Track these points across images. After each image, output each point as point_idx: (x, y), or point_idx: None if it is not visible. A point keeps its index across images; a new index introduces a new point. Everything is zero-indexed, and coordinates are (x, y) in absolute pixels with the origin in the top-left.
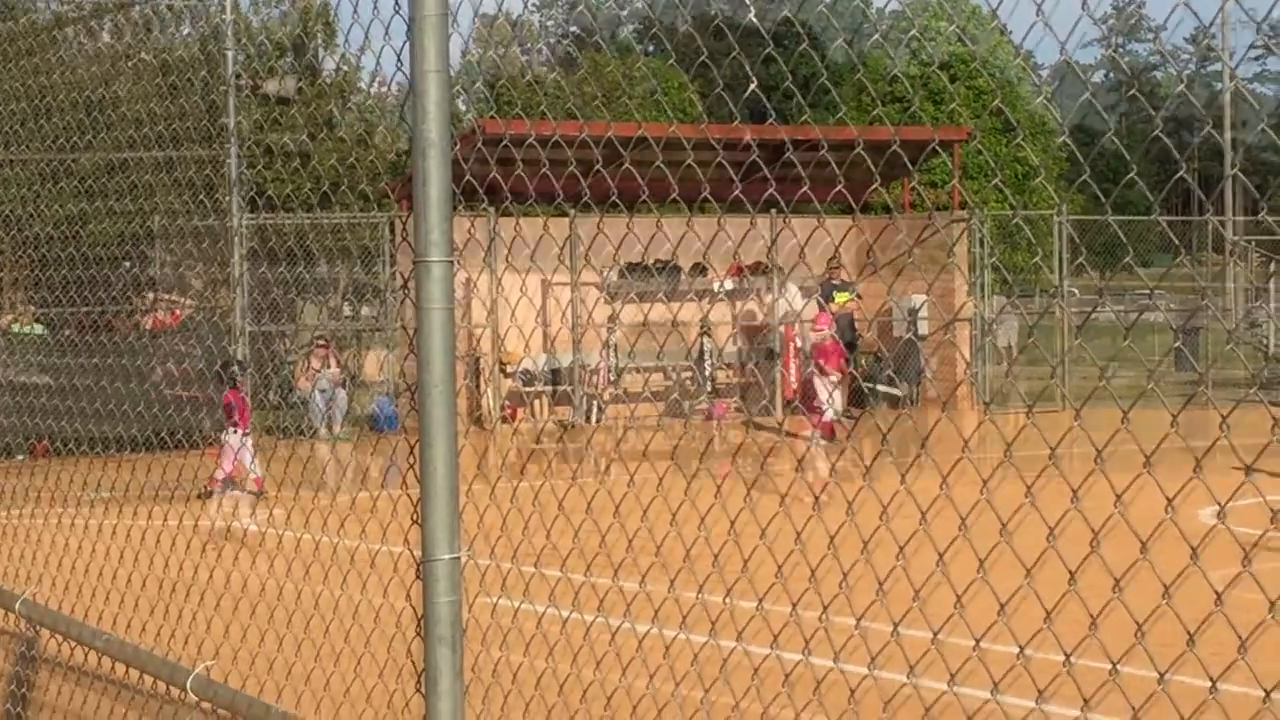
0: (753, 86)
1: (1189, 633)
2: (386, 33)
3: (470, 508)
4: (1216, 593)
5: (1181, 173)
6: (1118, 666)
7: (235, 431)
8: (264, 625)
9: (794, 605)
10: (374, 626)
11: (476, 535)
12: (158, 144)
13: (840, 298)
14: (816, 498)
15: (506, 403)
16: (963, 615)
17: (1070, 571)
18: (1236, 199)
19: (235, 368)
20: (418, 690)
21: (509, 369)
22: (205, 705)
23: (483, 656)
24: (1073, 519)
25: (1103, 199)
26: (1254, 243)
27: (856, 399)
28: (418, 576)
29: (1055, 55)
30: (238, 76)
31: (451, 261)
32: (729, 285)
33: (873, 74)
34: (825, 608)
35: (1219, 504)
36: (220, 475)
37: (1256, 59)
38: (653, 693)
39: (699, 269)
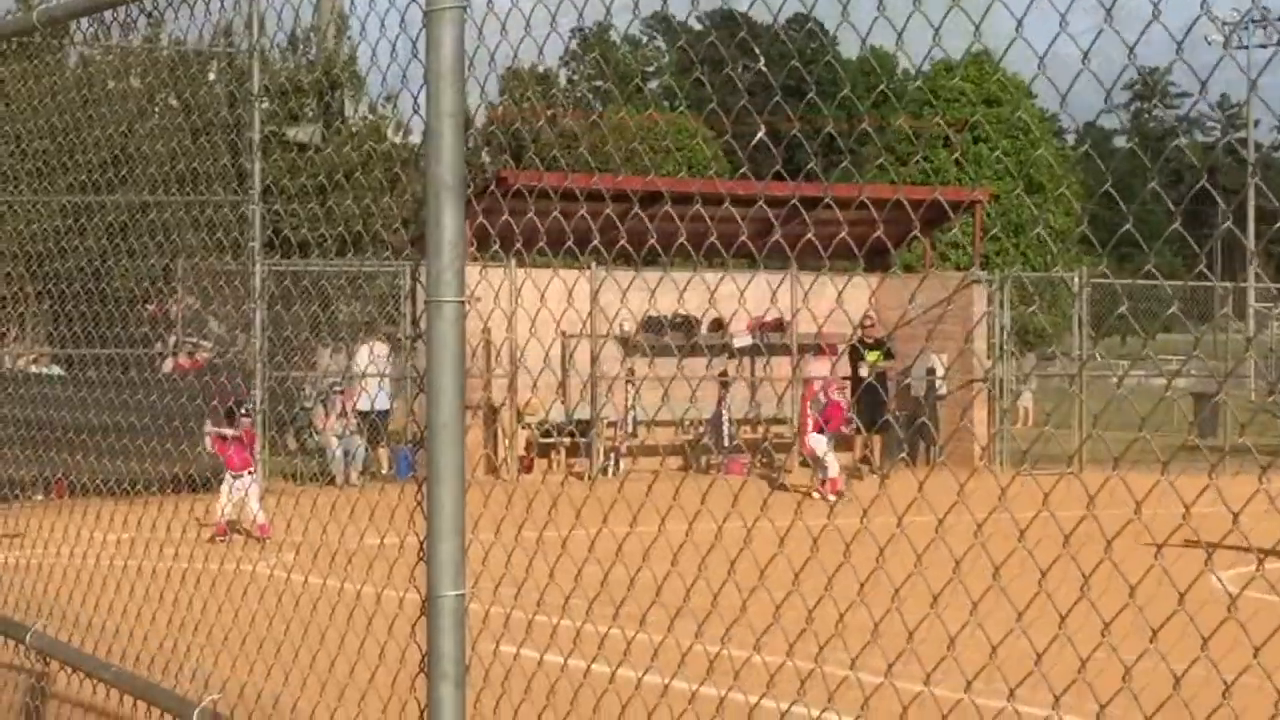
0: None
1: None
2: (404, 78)
3: (495, 551)
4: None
5: (1225, 227)
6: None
7: (234, 476)
8: (270, 661)
9: (790, 648)
10: (379, 664)
11: (492, 576)
12: (180, 189)
13: (871, 356)
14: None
15: (524, 453)
16: (955, 659)
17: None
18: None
19: (240, 409)
20: None
21: (527, 419)
22: None
23: (485, 695)
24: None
25: (1150, 258)
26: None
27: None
28: (422, 613)
29: (1081, 119)
30: (263, 125)
31: (463, 302)
32: (748, 340)
33: (899, 134)
34: (821, 649)
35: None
36: (220, 519)
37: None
38: None
39: (717, 324)
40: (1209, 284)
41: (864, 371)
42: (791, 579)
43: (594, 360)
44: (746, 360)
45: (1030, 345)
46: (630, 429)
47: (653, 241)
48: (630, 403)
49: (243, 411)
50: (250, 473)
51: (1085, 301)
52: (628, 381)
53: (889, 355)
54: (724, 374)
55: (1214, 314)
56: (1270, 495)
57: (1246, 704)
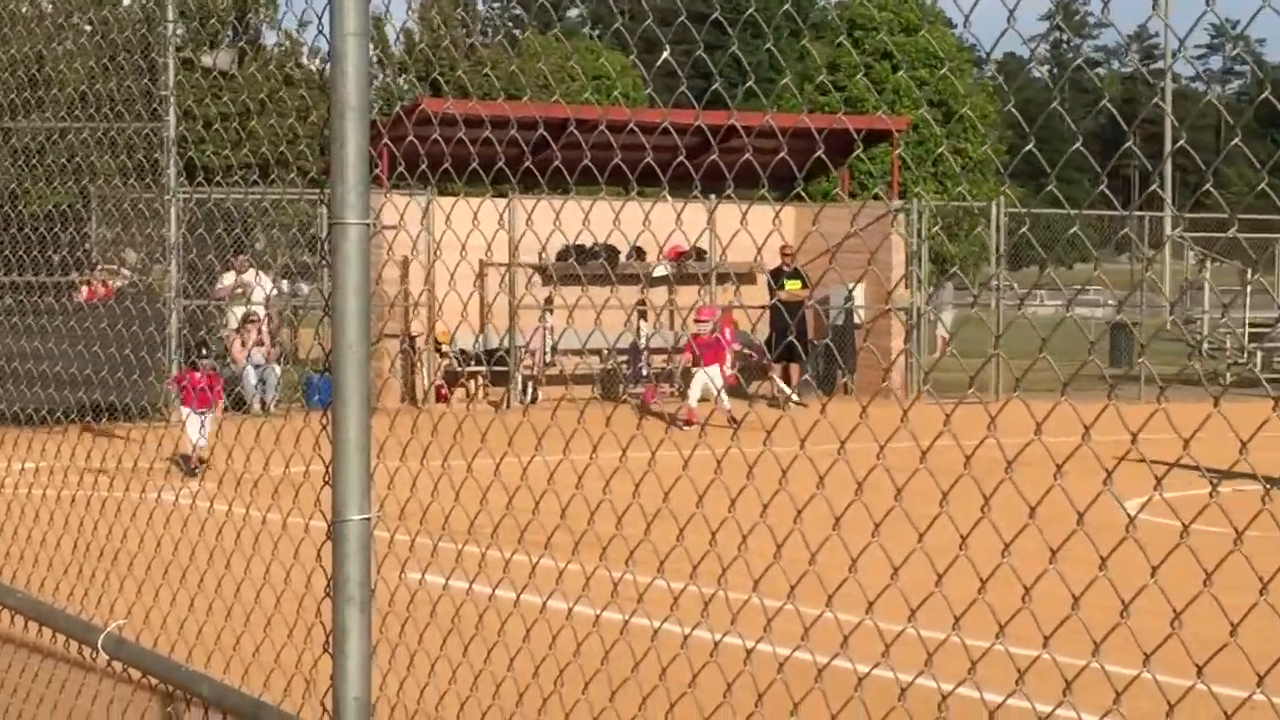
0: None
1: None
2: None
3: (403, 477)
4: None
5: (1128, 144)
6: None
7: (192, 411)
8: (176, 587)
9: (693, 570)
10: (284, 588)
11: (400, 502)
12: (97, 114)
13: (791, 285)
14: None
15: (441, 382)
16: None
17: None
18: (1174, 197)
19: (204, 349)
20: (326, 650)
21: (444, 348)
22: (116, 665)
23: (390, 619)
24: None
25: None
26: (1191, 239)
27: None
28: (328, 538)
29: (999, 51)
30: (178, 49)
31: (368, 224)
32: (667, 269)
33: (816, 63)
34: (724, 571)
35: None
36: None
37: (1199, 58)
38: (555, 654)
39: (639, 252)
40: (1124, 214)
41: (783, 297)
42: (695, 504)
43: (513, 289)
44: (665, 289)
45: (950, 275)
46: (548, 358)
47: (572, 166)
48: (548, 332)
49: (203, 354)
50: (205, 412)
51: (1003, 232)
52: (548, 310)
53: (805, 284)
54: (642, 303)
55: (1129, 243)
56: (1169, 417)
57: (1144, 625)
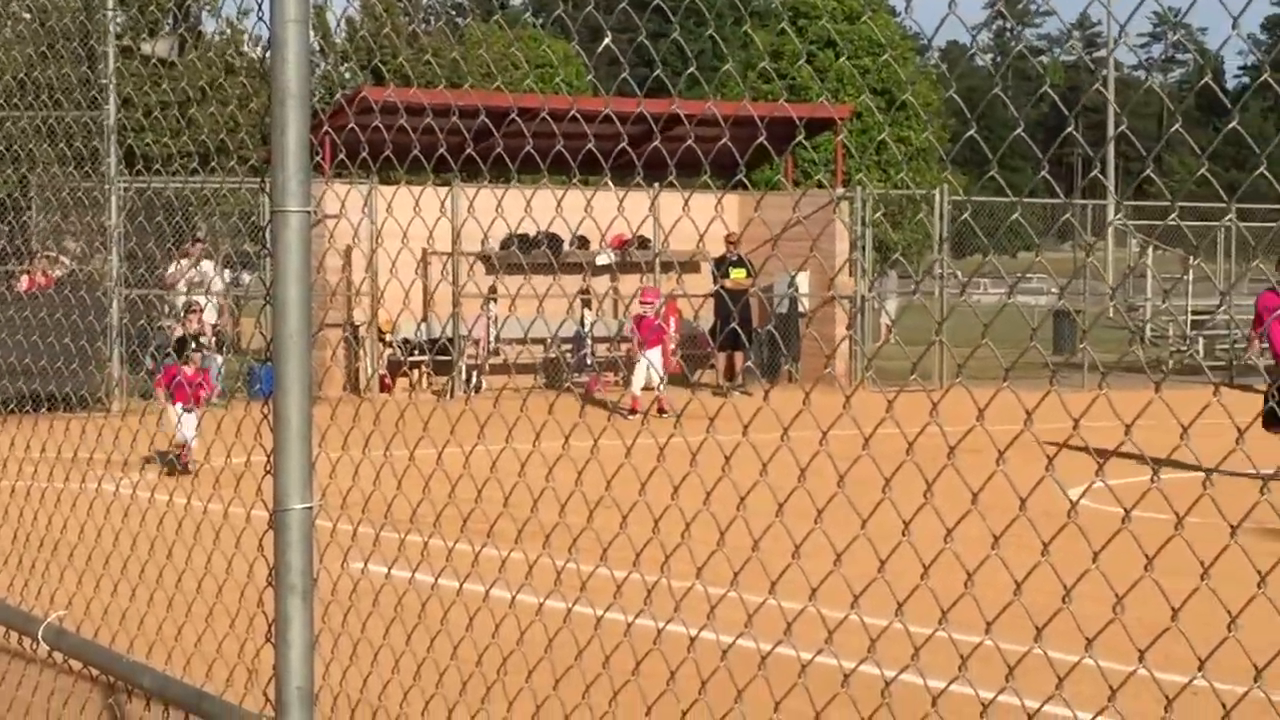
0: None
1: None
2: None
3: (344, 469)
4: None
5: (1069, 129)
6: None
7: (180, 406)
8: (117, 577)
9: (636, 557)
10: (226, 578)
11: (342, 491)
12: (36, 102)
13: (736, 274)
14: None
15: (384, 371)
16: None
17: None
18: (1118, 185)
19: (195, 343)
20: (268, 640)
21: (388, 337)
22: (57, 656)
23: (333, 608)
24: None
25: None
26: (1133, 227)
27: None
28: (270, 527)
29: (943, 39)
30: (119, 36)
31: (309, 212)
32: (610, 258)
33: (759, 51)
34: (667, 558)
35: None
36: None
37: (1142, 46)
38: (498, 643)
39: (583, 241)
40: (1067, 202)
41: (728, 285)
42: (637, 492)
43: (456, 278)
44: (609, 278)
45: (893, 263)
46: (492, 347)
47: (514, 154)
48: (493, 322)
49: (194, 348)
50: (192, 409)
51: (946, 219)
52: (491, 299)
53: (749, 273)
54: (585, 291)
55: (1073, 231)
56: (1110, 402)
57: (1086, 611)
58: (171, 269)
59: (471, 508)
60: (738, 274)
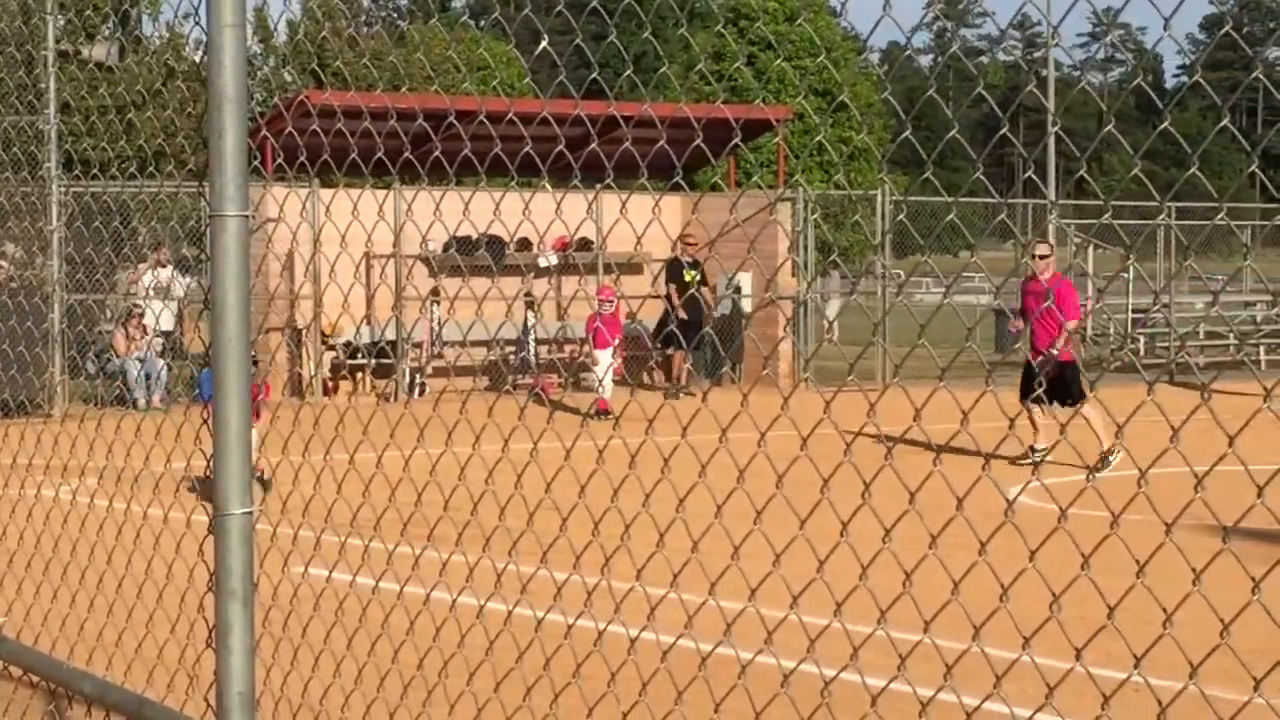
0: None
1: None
2: None
3: (284, 473)
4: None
5: (1004, 130)
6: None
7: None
8: (57, 583)
9: (577, 560)
10: (167, 583)
11: (282, 495)
12: None
13: (689, 275)
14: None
15: (328, 375)
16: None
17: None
18: (1059, 185)
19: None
20: (209, 645)
21: (330, 340)
22: None
23: (274, 613)
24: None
25: (934, 181)
26: (1075, 227)
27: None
28: (210, 532)
29: (884, 39)
30: (58, 41)
31: (247, 216)
32: (553, 259)
33: (699, 53)
34: (607, 560)
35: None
36: None
37: (1081, 45)
38: (439, 646)
39: (525, 243)
40: (1005, 201)
41: (682, 288)
42: (577, 495)
43: (399, 281)
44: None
45: (834, 264)
46: (436, 350)
47: (452, 157)
48: (436, 324)
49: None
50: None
51: (887, 219)
52: (434, 302)
53: (703, 276)
54: (529, 294)
55: (1012, 231)
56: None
57: (1024, 609)
58: (137, 276)
59: (412, 511)
60: (690, 276)
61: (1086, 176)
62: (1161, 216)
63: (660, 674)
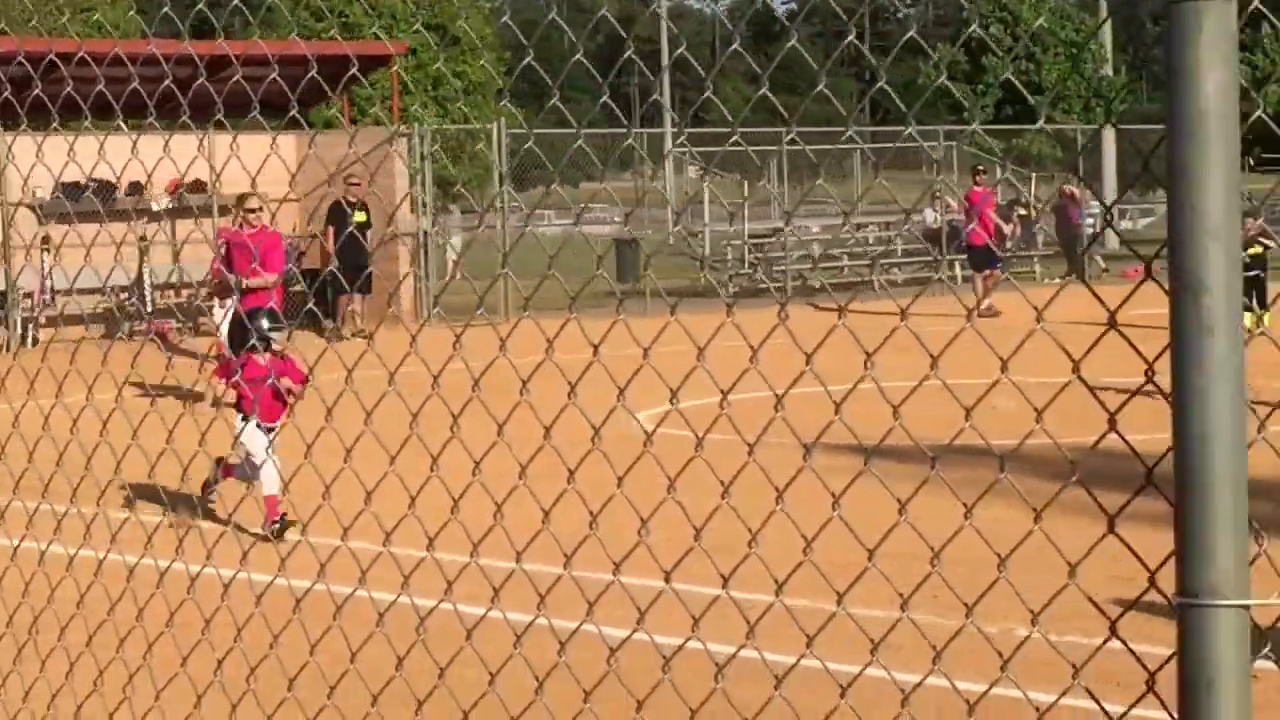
0: None
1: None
2: None
3: None
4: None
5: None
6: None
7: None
8: None
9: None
10: None
11: None
12: None
13: (358, 216)
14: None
15: None
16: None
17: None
18: (677, 110)
19: (276, 324)
20: None
21: None
22: None
23: None
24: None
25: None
26: (690, 153)
27: None
28: None
29: None
30: None
31: None
32: (166, 203)
33: None
34: (231, 517)
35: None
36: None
37: None
38: (54, 605)
39: (136, 187)
40: (625, 131)
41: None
42: (198, 444)
43: (5, 229)
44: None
45: (454, 199)
46: (48, 299)
47: (55, 100)
48: (46, 271)
49: (275, 325)
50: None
51: (505, 152)
52: (44, 250)
53: (369, 218)
54: (143, 238)
55: (634, 160)
56: (685, 330)
57: (667, 535)
58: None
59: (24, 466)
60: (359, 217)
61: (714, 99)
62: (785, 141)
63: (255, 618)
